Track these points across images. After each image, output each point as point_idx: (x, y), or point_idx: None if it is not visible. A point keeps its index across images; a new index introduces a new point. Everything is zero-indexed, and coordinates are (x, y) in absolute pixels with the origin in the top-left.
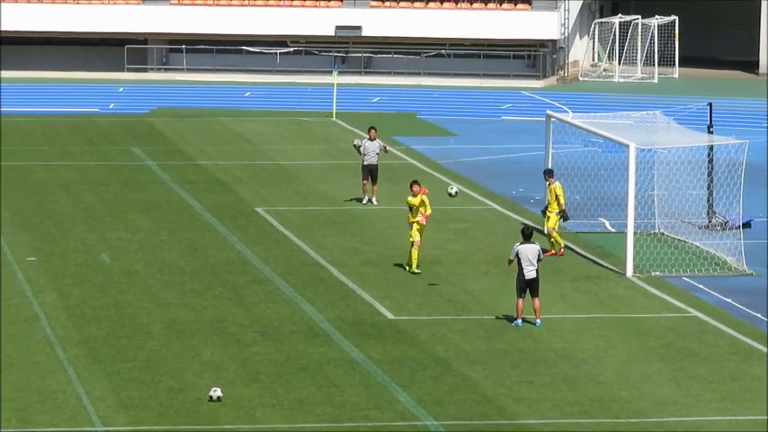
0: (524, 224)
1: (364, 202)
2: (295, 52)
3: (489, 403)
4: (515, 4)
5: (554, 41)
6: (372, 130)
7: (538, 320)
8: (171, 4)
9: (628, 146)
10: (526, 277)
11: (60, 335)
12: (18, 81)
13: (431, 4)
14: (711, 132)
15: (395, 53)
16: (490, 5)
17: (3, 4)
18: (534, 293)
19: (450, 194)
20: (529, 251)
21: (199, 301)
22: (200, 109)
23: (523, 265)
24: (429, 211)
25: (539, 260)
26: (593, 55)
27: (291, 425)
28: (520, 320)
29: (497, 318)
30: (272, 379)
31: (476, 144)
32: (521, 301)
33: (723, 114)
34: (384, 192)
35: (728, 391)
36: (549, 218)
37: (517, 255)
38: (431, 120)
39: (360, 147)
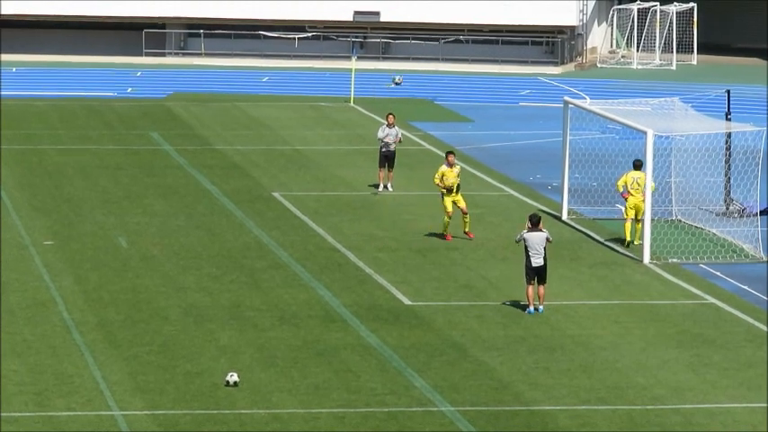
0: (533, 212)
1: (380, 189)
2: (313, 37)
3: (505, 389)
4: None
5: (572, 28)
6: (391, 116)
7: (540, 307)
8: None
9: (645, 133)
10: (533, 265)
11: (77, 319)
12: (36, 65)
13: None
14: (729, 119)
15: (413, 39)
16: None
17: None
18: (541, 281)
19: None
20: (536, 239)
21: (216, 285)
22: (218, 93)
23: (530, 253)
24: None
25: (548, 240)
26: (612, 41)
27: (308, 410)
28: (532, 308)
29: (514, 304)
30: (289, 364)
31: (493, 130)
32: (530, 288)
33: (741, 101)
34: (401, 178)
35: (745, 378)
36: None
37: (525, 242)
38: (448, 106)
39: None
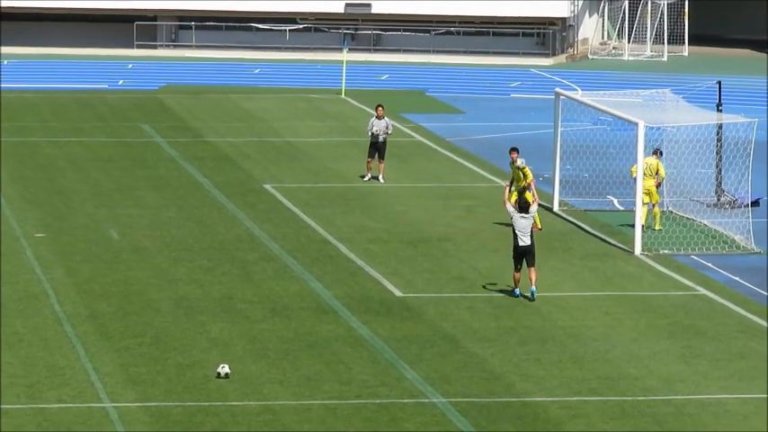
0: (523, 197)
1: (366, 179)
2: (304, 29)
3: (497, 381)
4: None
5: (563, 19)
6: (380, 108)
7: (533, 287)
8: None
9: (637, 124)
10: (520, 245)
11: (69, 311)
12: (27, 57)
13: None
14: (720, 111)
15: (404, 30)
16: None
17: None
18: (530, 263)
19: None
20: (523, 222)
21: (207, 277)
22: (210, 86)
23: (518, 234)
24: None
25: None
26: (603, 33)
27: (299, 401)
28: (518, 290)
29: (505, 295)
30: (280, 356)
31: (484, 122)
32: (517, 273)
33: (732, 93)
34: (393, 170)
35: (736, 369)
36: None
37: (513, 224)
38: (440, 97)
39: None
